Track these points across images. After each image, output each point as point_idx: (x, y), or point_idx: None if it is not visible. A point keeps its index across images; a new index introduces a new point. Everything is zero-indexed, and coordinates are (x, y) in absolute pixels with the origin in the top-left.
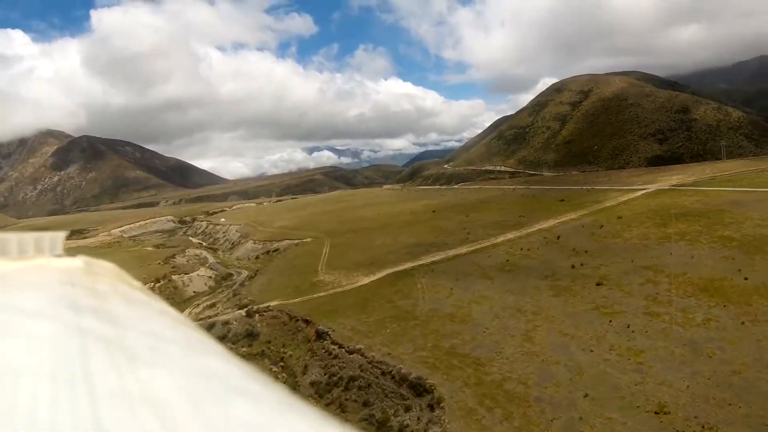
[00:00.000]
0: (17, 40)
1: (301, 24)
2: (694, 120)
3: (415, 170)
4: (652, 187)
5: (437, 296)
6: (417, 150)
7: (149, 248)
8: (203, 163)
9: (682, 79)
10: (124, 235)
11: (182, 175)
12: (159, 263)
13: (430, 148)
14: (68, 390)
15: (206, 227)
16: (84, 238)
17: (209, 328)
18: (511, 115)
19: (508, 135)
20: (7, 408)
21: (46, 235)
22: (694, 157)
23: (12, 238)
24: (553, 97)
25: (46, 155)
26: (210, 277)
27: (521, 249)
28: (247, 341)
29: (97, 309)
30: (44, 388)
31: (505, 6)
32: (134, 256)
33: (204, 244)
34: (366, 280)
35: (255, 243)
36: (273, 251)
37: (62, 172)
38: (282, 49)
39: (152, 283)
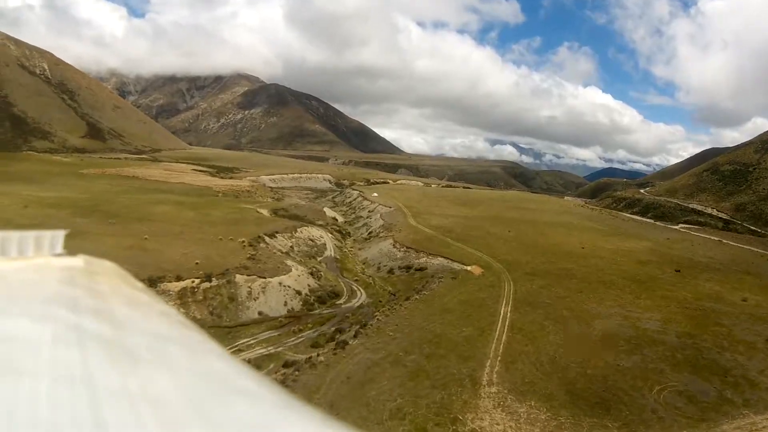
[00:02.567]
0: None
1: (507, 10)
2: None
3: (600, 187)
4: None
5: None
6: (601, 165)
7: (264, 211)
8: (385, 132)
9: None
10: (267, 184)
11: (361, 138)
12: (242, 243)
13: (616, 165)
14: (68, 390)
15: (354, 198)
16: (230, 177)
17: None
18: (728, 147)
19: (726, 170)
20: (7, 408)
21: (47, 234)
22: None
23: (13, 236)
24: None
25: (236, 94)
26: (298, 292)
27: None
28: None
29: (97, 309)
30: (44, 388)
31: (729, 25)
32: (234, 218)
33: (339, 220)
34: None
35: (395, 246)
36: (417, 270)
37: (246, 112)
38: (483, 34)
39: (198, 281)
